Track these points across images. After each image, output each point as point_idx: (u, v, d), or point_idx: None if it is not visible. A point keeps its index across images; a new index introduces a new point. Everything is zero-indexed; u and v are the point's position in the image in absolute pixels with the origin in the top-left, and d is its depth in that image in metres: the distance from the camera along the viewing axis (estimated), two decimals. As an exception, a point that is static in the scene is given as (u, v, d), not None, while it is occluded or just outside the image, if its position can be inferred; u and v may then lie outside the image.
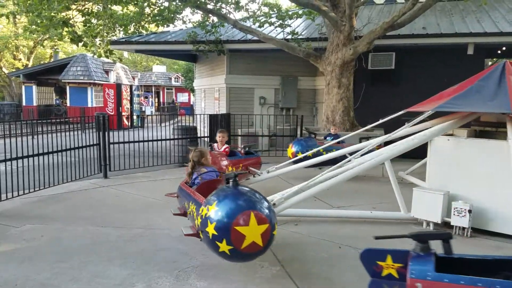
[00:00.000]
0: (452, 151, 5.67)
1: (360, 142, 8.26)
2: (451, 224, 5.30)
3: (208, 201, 3.57)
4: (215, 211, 3.40)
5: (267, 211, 3.46)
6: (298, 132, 11.23)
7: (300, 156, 7.77)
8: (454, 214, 5.24)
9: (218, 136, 7.22)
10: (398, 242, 3.45)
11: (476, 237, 5.24)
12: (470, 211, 5.15)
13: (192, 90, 29.19)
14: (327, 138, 9.05)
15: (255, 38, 11.77)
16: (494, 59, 19.11)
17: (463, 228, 5.25)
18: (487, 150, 5.37)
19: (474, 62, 11.17)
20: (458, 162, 5.60)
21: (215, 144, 7.28)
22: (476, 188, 5.37)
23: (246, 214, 3.32)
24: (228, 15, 11.63)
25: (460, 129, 6.13)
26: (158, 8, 11.96)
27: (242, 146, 8.51)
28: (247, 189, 3.66)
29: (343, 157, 6.83)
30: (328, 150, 7.66)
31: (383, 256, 2.76)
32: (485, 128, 6.34)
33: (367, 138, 8.48)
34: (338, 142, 8.05)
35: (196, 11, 12.32)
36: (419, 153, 6.58)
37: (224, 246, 3.34)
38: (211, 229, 3.38)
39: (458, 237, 5.21)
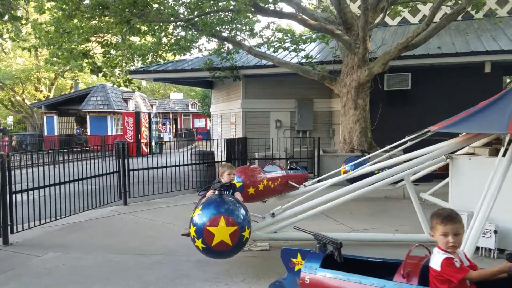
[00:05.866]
0: (474, 170, 5.55)
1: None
2: (477, 245, 5.13)
3: (194, 207, 4.40)
4: (197, 215, 4.24)
5: (239, 216, 4.24)
6: (316, 154, 11.18)
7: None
8: (479, 235, 5.08)
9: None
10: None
11: (502, 258, 5.05)
12: (495, 232, 5.00)
13: (209, 116, 29.51)
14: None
15: (270, 63, 11.93)
16: (513, 76, 18.88)
17: (489, 249, 5.09)
18: (510, 169, 5.23)
19: (491, 80, 11.06)
20: (481, 181, 5.46)
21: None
22: (501, 208, 5.21)
23: (216, 217, 4.13)
24: (243, 42, 11.84)
25: (482, 148, 6.00)
26: (175, 38, 12.27)
27: (288, 162, 8.59)
28: (229, 198, 4.48)
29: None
30: None
31: (295, 254, 3.26)
32: (507, 147, 6.19)
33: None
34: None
35: (211, 39, 12.60)
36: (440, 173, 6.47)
37: (199, 243, 4.20)
38: (192, 231, 4.25)
39: (485, 259, 5.04)
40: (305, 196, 5.58)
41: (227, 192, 4.98)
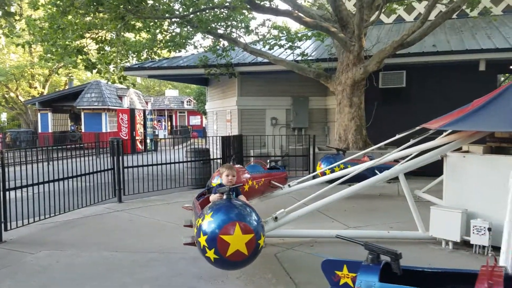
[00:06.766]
0: (468, 168, 5.58)
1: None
2: (471, 242, 5.18)
3: (202, 214, 3.93)
4: (207, 222, 3.73)
5: (253, 222, 3.78)
6: (311, 152, 11.20)
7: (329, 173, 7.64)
8: (473, 233, 5.12)
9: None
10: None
11: (496, 256, 5.08)
12: (489, 229, 5.02)
13: (204, 113, 29.46)
14: None
15: (266, 60, 11.90)
16: (507, 74, 18.98)
17: (483, 247, 5.12)
18: (504, 166, 5.26)
19: (486, 78, 11.10)
20: (475, 179, 5.50)
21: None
22: (495, 205, 5.24)
23: (231, 224, 3.65)
24: (239, 39, 11.81)
25: (476, 146, 6.04)
26: (170, 34, 12.21)
27: (268, 161, 8.25)
28: (239, 202, 4.01)
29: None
30: None
31: (341, 266, 2.89)
32: (501, 144, 6.24)
33: None
34: None
35: (207, 36, 12.54)
36: (434, 171, 6.50)
37: (211, 254, 3.69)
38: (202, 240, 3.73)
39: (479, 256, 5.08)
40: (310, 197, 5.41)
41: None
